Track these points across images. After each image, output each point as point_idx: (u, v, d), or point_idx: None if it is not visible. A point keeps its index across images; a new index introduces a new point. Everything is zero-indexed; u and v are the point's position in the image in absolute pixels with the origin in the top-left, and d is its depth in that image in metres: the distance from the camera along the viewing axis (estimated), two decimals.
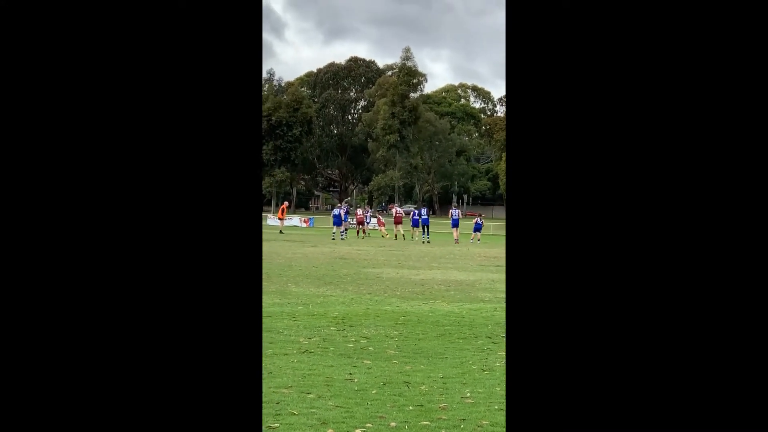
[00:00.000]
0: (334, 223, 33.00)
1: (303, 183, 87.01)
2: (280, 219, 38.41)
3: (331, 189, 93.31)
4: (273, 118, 70.93)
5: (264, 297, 10.70)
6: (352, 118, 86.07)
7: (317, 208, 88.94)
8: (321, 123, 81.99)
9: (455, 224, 32.86)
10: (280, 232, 34.96)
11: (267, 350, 6.74)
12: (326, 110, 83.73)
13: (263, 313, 9.16)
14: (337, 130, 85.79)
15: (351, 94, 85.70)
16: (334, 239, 30.49)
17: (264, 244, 25.02)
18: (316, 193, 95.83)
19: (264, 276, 13.79)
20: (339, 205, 36.80)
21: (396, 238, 32.34)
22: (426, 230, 32.12)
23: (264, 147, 71.27)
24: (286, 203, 40.46)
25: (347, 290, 12.08)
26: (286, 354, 6.65)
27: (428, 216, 33.37)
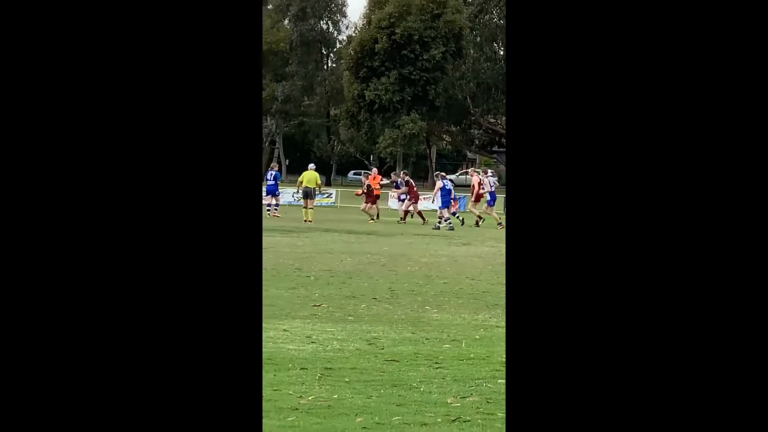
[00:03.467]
0: (443, 204, 32.71)
1: (448, 138, 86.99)
2: (367, 196, 36.43)
3: (493, 149, 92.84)
4: (396, 31, 68.70)
5: (388, 328, 10.81)
6: None
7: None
8: (478, 39, 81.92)
9: None
10: (375, 218, 34.99)
11: (393, 416, 6.80)
12: (486, 17, 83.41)
13: (386, 357, 9.30)
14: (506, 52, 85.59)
15: None
16: (446, 228, 30.52)
17: (383, 240, 25.52)
18: (469, 155, 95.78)
19: (388, 294, 13.96)
20: (442, 174, 36.28)
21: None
22: None
23: (383, 79, 70.00)
24: (375, 170, 39.99)
25: None
26: (425, 423, 6.69)
27: None
